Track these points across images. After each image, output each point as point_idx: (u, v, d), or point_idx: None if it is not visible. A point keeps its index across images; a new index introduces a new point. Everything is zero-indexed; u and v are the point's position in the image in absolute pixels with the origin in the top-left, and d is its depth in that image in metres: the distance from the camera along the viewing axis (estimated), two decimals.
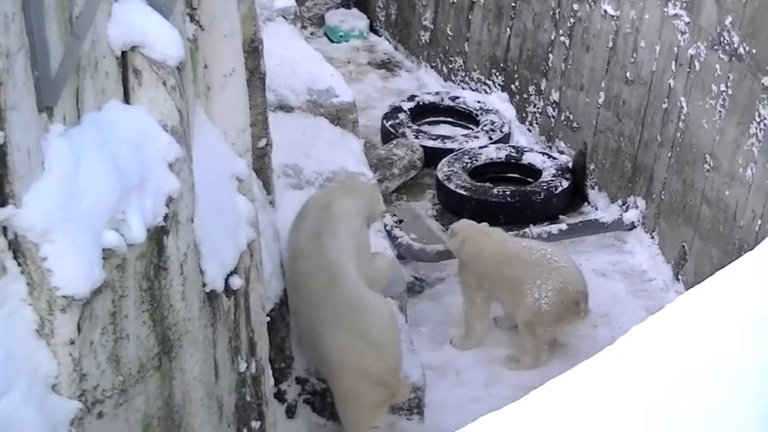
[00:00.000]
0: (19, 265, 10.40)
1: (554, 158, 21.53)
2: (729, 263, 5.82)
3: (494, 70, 23.71)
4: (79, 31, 10.53)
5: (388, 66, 25.22)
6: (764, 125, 17.26)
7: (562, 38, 22.16)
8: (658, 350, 5.26)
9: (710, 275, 5.49)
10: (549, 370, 16.55)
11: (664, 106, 19.74)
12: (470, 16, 24.12)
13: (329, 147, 19.31)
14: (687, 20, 19.19)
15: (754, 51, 17.62)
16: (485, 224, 18.81)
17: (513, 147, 22.09)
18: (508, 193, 20.85)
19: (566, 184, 20.90)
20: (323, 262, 15.34)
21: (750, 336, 5.22)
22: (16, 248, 10.37)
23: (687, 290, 5.41)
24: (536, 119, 22.78)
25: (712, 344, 5.24)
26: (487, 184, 21.05)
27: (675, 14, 19.45)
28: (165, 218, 11.24)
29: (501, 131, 22.51)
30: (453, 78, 24.40)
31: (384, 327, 15.76)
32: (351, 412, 15.63)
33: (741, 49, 17.89)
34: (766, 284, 5.44)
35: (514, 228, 20.17)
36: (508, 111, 23.10)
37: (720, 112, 18.29)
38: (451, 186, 20.87)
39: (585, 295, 17.99)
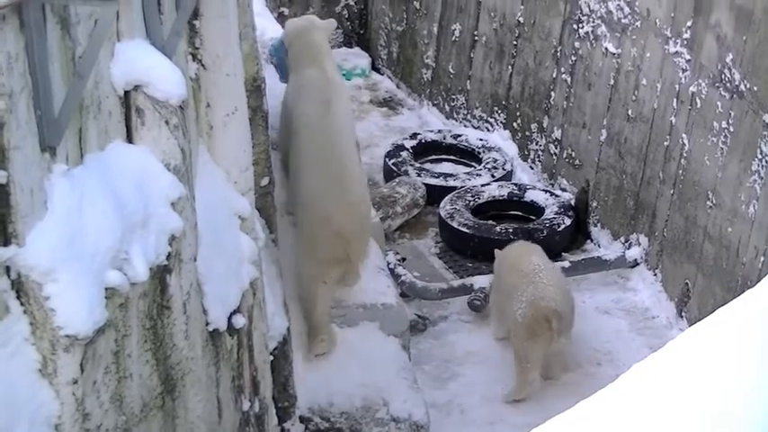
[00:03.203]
0: (22, 304, 10.38)
1: (556, 196, 21.55)
2: (732, 300, 5.75)
3: (496, 108, 23.74)
4: (82, 70, 10.54)
5: (390, 104, 25.25)
6: (766, 162, 17.28)
7: (564, 76, 22.19)
8: (659, 388, 5.18)
9: (713, 307, 5.46)
10: (552, 408, 16.51)
11: (665, 143, 19.76)
12: (472, 54, 24.15)
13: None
14: (688, 57, 19.22)
15: (755, 89, 17.63)
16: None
17: (516, 184, 22.12)
18: (511, 230, 20.84)
19: (568, 221, 20.92)
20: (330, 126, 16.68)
21: (752, 374, 5.14)
22: (19, 288, 10.35)
23: (691, 325, 5.39)
24: (538, 156, 22.79)
25: (713, 383, 5.15)
26: (490, 221, 21.07)
27: (676, 52, 19.48)
28: (168, 257, 11.24)
29: (503, 169, 22.53)
30: (455, 116, 24.43)
31: (361, 190, 17.03)
32: (307, 262, 16.60)
33: (742, 87, 17.91)
34: None
35: None
36: (510, 148, 23.13)
37: (722, 149, 18.30)
38: (454, 224, 20.89)
39: (558, 314, 17.86)
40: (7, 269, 10.26)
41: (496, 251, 19.12)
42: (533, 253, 19.10)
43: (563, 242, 20.80)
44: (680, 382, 5.23)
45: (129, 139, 11.34)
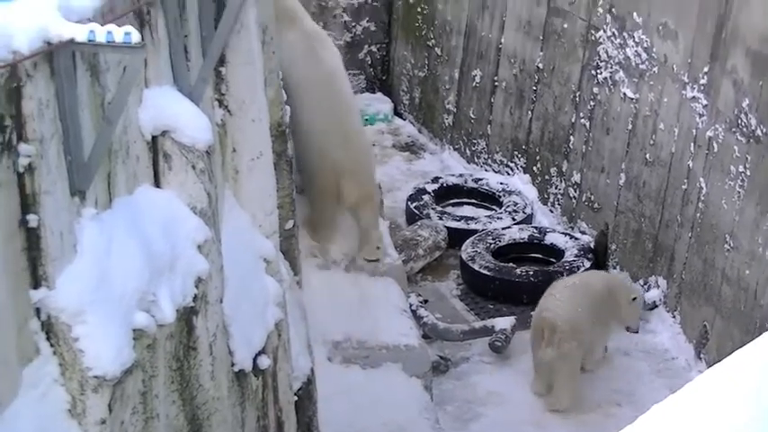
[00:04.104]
0: (51, 345, 10.42)
1: (576, 239, 21.57)
2: (751, 341, 5.70)
3: (516, 152, 23.77)
4: (111, 116, 10.60)
5: (412, 148, 25.30)
6: None
7: (582, 120, 22.22)
8: (678, 430, 5.13)
9: (729, 350, 5.39)
10: None
11: (683, 187, 19.77)
12: (492, 99, 24.20)
13: (354, 227, 19.38)
14: (705, 102, 19.24)
15: None
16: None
17: (536, 227, 22.15)
18: (531, 273, 20.87)
19: (588, 264, 20.92)
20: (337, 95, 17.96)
21: None
22: (49, 329, 10.40)
23: (709, 367, 5.33)
24: (558, 200, 22.82)
25: (731, 425, 5.08)
26: (511, 264, 21.09)
27: (693, 97, 19.50)
28: (195, 299, 11.26)
29: (523, 212, 22.57)
30: (476, 160, 24.47)
31: (364, 143, 18.76)
32: (320, 204, 17.96)
33: (759, 131, 17.92)
34: None
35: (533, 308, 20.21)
36: (530, 192, 23.16)
37: (739, 192, 18.30)
38: (475, 267, 20.91)
39: (551, 325, 18.09)
40: (37, 311, 10.31)
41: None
42: (592, 275, 19.91)
43: None
44: (699, 423, 5.16)
45: (157, 183, 11.40)
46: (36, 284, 10.28)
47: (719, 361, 5.38)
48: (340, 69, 18.21)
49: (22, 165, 10.05)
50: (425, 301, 20.45)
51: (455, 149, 24.95)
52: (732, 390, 5.09)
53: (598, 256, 21.05)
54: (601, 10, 21.74)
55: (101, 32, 10.04)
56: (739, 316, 17.78)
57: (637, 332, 19.34)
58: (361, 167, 18.30)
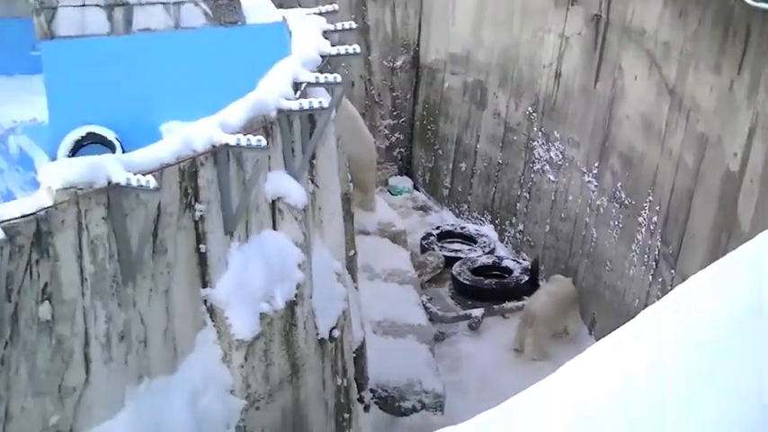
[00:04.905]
0: (212, 321, 10.54)
1: (520, 263, 21.47)
2: (620, 326, 4.78)
3: (485, 212, 23.73)
4: (249, 187, 10.71)
5: (424, 208, 25.11)
6: (639, 246, 17.34)
7: (525, 194, 22.22)
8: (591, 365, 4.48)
9: (608, 332, 4.81)
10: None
11: (582, 233, 19.76)
12: (472, 181, 24.17)
13: (389, 255, 19.40)
14: (596, 184, 19.26)
15: (633, 202, 17.67)
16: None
17: (497, 256, 22.00)
18: (494, 283, 20.76)
19: (526, 278, 20.84)
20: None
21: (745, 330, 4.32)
22: (211, 312, 10.52)
23: (597, 341, 4.98)
24: (510, 240, 22.77)
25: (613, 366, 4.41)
26: (482, 278, 21.01)
27: (589, 181, 19.51)
28: (295, 295, 11.34)
29: (489, 248, 22.44)
30: (462, 216, 24.38)
31: (369, 144, 19.89)
32: (356, 188, 18.04)
33: (626, 201, 17.93)
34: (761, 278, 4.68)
35: (495, 304, 20.30)
36: (493, 235, 23.05)
37: (615, 237, 18.32)
38: (460, 279, 20.83)
39: (531, 314, 18.66)
40: (205, 301, 10.45)
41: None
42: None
43: (523, 290, 20.62)
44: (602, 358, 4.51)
45: (274, 227, 11.44)
46: (204, 285, 10.44)
47: (603, 337, 5.09)
48: (360, 120, 19.57)
49: (197, 215, 10.20)
50: (430, 299, 20.43)
51: (449, 210, 24.85)
52: (611, 351, 4.71)
53: (533, 274, 20.96)
54: (535, 128, 21.72)
55: (243, 139, 10.18)
56: (615, 310, 17.75)
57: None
58: (366, 153, 19.40)
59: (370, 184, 19.75)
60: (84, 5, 13.74)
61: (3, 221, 8.57)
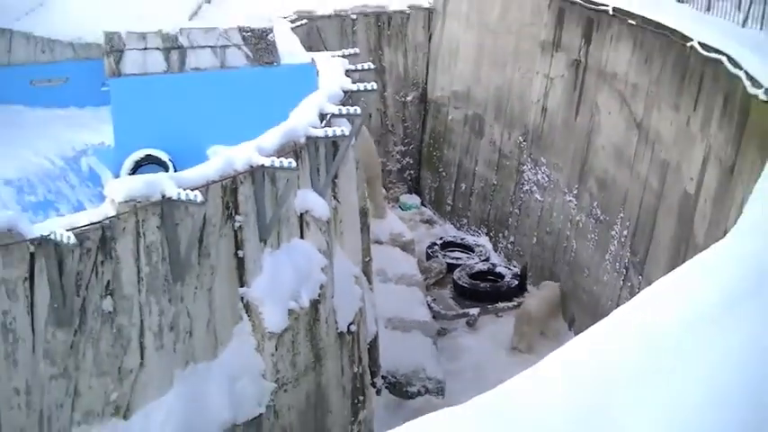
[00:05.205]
0: (248, 315, 10.51)
1: (511, 269, 21.37)
2: (596, 323, 4.92)
3: (482, 225, 23.66)
4: (280, 202, 10.69)
5: (430, 222, 25.04)
6: (611, 255, 17.28)
7: (515, 210, 22.15)
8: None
9: (584, 330, 4.82)
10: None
11: (564, 245, 19.68)
12: (471, 198, 24.13)
13: (399, 262, 19.31)
14: (575, 203, 19.17)
15: (607, 218, 17.60)
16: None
17: (492, 263, 21.90)
18: (488, 286, 20.67)
19: (516, 282, 20.76)
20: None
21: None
22: (247, 307, 10.48)
23: (575, 337, 4.75)
24: (502, 250, 22.69)
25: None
26: (478, 282, 20.91)
27: (569, 200, 19.42)
28: (319, 295, 11.29)
29: (485, 256, 22.34)
30: (462, 229, 24.31)
31: (377, 162, 19.68)
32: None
33: (601, 218, 17.87)
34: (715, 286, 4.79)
35: (489, 304, 20.14)
36: (488, 245, 22.95)
37: (592, 248, 18.25)
38: (460, 282, 20.74)
39: (527, 313, 18.43)
40: (242, 298, 10.42)
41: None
42: (548, 285, 19.51)
43: (513, 292, 20.53)
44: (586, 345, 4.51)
45: (302, 236, 11.40)
46: (241, 285, 10.41)
47: (580, 333, 4.99)
48: (371, 141, 19.46)
49: (236, 225, 10.19)
50: (434, 300, 20.34)
51: (451, 223, 24.79)
52: (586, 346, 4.63)
53: (522, 279, 20.87)
54: (525, 155, 21.68)
55: (277, 161, 10.17)
56: (590, 310, 17.64)
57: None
58: (373, 165, 19.09)
59: (378, 194, 19.72)
60: (145, 49, 13.81)
61: (74, 228, 8.62)
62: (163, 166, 13.36)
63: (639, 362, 4.10)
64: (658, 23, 15.61)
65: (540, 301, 18.83)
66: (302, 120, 11.24)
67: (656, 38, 15.75)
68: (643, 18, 16.28)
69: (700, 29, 14.23)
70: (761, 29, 13.43)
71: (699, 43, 13.70)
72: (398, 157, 26.39)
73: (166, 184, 9.14)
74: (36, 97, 15.39)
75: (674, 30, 14.87)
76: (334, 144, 11.96)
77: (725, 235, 5.91)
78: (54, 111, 15.33)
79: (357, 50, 15.47)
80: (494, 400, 4.11)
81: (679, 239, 13.91)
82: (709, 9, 15.45)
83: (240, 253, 10.28)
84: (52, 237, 8.43)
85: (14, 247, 8.40)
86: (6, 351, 8.60)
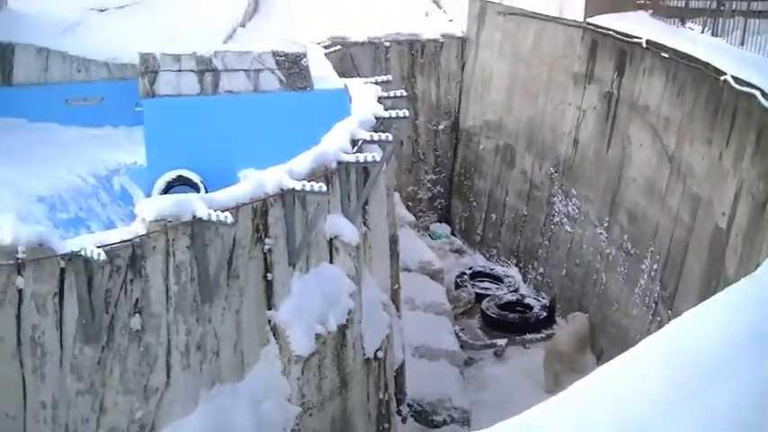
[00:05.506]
0: (275, 338, 10.54)
1: (540, 301, 21.26)
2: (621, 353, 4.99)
3: (511, 256, 23.59)
4: (311, 226, 10.71)
5: (459, 251, 24.97)
6: (641, 289, 17.23)
7: (545, 242, 22.07)
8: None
9: (614, 358, 4.83)
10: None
11: (594, 278, 19.58)
12: (501, 229, 24.06)
13: (428, 290, 19.28)
14: (606, 235, 19.09)
15: (637, 252, 17.51)
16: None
17: (521, 294, 21.78)
18: (516, 317, 20.57)
19: (545, 314, 20.65)
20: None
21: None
22: (274, 330, 10.50)
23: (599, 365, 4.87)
24: (532, 281, 22.60)
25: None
26: (507, 312, 20.81)
27: (600, 233, 19.33)
28: (346, 320, 11.29)
29: (514, 287, 22.24)
30: (491, 259, 24.24)
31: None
32: None
33: (632, 251, 17.77)
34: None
35: (517, 335, 20.07)
36: (518, 276, 22.85)
37: (621, 281, 18.13)
38: (489, 313, 20.63)
39: (555, 347, 18.12)
40: (269, 321, 10.45)
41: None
42: (577, 317, 19.20)
43: (542, 324, 20.41)
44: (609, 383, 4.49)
45: (331, 261, 11.41)
46: (269, 308, 10.45)
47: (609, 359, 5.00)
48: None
49: (266, 248, 10.24)
50: (462, 329, 20.27)
51: (481, 253, 24.73)
52: (618, 376, 4.61)
53: (551, 311, 20.78)
54: (556, 186, 21.65)
55: (307, 185, 10.23)
56: (619, 341, 17.54)
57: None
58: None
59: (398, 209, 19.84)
60: (180, 71, 13.94)
61: (104, 245, 8.69)
62: (194, 187, 13.45)
63: (665, 393, 4.09)
64: (691, 57, 15.57)
65: (569, 337, 18.67)
66: (334, 145, 11.29)
67: (689, 71, 15.72)
68: (676, 51, 16.26)
69: (733, 63, 14.19)
70: None
71: (732, 77, 13.66)
72: (429, 185, 26.41)
73: (197, 204, 9.20)
74: (71, 116, 15.59)
75: (708, 63, 14.83)
76: (365, 170, 11.98)
77: (756, 269, 5.88)
78: (88, 130, 15.52)
79: (390, 77, 15.54)
80: (516, 428, 4.08)
81: (710, 274, 13.82)
82: (743, 43, 15.43)
83: (269, 276, 10.31)
84: (82, 253, 8.50)
85: (45, 261, 8.48)
86: (34, 365, 8.67)
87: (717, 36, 16.56)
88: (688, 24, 17.79)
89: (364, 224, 12.82)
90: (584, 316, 19.35)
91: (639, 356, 4.60)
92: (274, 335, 10.51)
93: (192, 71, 13.97)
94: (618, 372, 4.59)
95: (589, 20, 20.11)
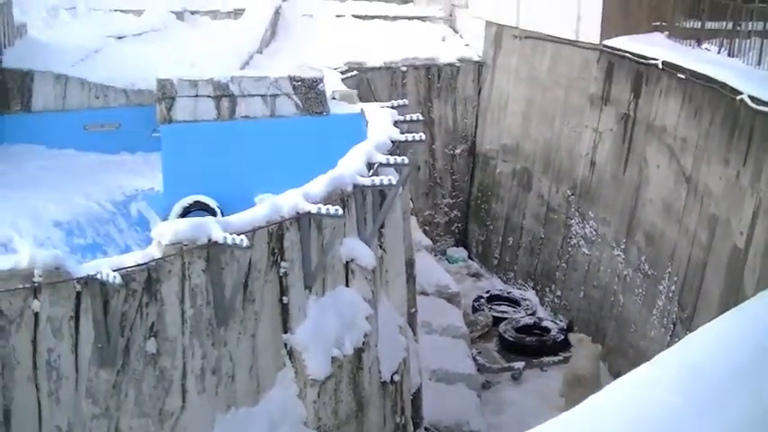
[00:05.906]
0: (291, 362, 10.50)
1: (557, 324, 21.21)
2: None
3: (528, 279, 23.55)
4: (326, 250, 10.71)
5: (476, 275, 24.98)
6: (659, 311, 17.14)
7: (563, 264, 22.04)
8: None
9: None
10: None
11: (611, 299, 19.50)
12: (518, 252, 24.05)
13: (445, 313, 19.22)
14: (623, 257, 19.02)
15: (655, 273, 17.46)
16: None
17: (538, 317, 21.74)
18: (534, 340, 20.49)
19: (562, 337, 20.57)
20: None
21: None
22: (290, 354, 10.46)
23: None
24: (549, 304, 22.54)
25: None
26: (524, 335, 20.77)
27: (617, 254, 19.28)
28: (363, 343, 11.23)
29: (531, 310, 22.20)
30: (509, 282, 24.21)
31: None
32: None
33: (649, 272, 17.71)
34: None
35: (535, 358, 20.02)
36: (535, 299, 22.79)
37: (639, 303, 18.07)
38: (506, 336, 20.57)
39: (575, 373, 17.66)
40: (285, 344, 10.42)
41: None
42: (584, 340, 18.67)
43: (559, 347, 20.33)
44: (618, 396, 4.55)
45: (347, 284, 11.37)
46: (285, 331, 10.42)
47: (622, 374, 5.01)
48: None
49: (281, 272, 10.23)
50: (479, 353, 20.22)
51: (498, 277, 24.71)
52: (631, 390, 4.63)
53: (567, 333, 20.69)
54: (573, 209, 21.61)
55: (323, 209, 10.23)
56: (637, 365, 17.44)
57: None
58: None
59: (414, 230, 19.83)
60: (197, 96, 14.00)
61: (120, 269, 8.70)
62: (211, 212, 13.47)
63: (678, 407, 4.08)
64: (708, 77, 15.56)
65: (587, 360, 18.53)
66: (350, 168, 11.29)
67: (706, 91, 15.69)
68: (692, 72, 16.25)
69: (750, 82, 14.17)
70: None
71: (749, 96, 13.63)
72: (446, 209, 26.41)
73: (213, 227, 9.22)
74: (89, 142, 15.68)
75: (724, 83, 14.81)
76: (381, 193, 11.98)
77: None
78: (106, 156, 15.60)
79: (406, 102, 15.56)
80: None
81: (728, 294, 13.74)
82: (759, 63, 15.40)
83: (285, 299, 10.29)
84: (98, 276, 8.52)
85: (61, 285, 8.50)
86: (50, 389, 8.68)
87: (733, 56, 16.53)
88: (704, 45, 17.76)
89: (380, 247, 12.77)
90: (588, 338, 19.26)
91: (653, 370, 4.60)
92: (290, 358, 10.47)
93: (209, 96, 14.01)
94: (631, 385, 4.58)
95: (605, 42, 20.13)
